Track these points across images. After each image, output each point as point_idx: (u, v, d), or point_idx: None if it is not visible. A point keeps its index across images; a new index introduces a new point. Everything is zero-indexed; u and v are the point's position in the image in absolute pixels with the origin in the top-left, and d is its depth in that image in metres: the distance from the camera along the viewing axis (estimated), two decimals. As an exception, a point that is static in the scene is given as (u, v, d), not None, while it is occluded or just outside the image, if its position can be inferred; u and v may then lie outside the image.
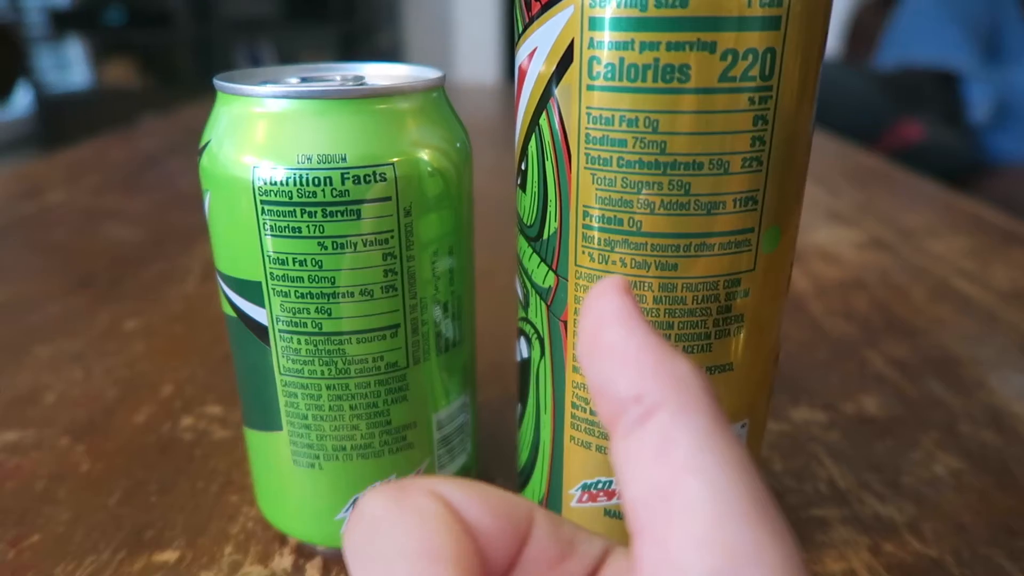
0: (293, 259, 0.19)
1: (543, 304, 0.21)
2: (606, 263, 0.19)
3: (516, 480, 0.25)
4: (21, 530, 0.25)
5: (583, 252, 0.19)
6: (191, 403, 0.32)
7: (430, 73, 0.22)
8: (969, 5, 1.34)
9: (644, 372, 0.12)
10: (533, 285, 0.21)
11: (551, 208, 0.19)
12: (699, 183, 0.17)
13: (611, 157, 0.18)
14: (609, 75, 0.17)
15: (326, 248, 0.19)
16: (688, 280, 0.18)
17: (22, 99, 2.68)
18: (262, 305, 0.20)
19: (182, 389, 0.33)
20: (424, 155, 0.20)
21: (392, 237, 0.20)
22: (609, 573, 0.13)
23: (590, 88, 0.17)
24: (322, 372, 0.21)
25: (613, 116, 0.17)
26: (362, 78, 0.22)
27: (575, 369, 0.20)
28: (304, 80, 0.21)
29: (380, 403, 0.21)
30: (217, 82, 0.20)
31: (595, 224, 0.18)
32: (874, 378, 0.34)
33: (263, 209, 0.19)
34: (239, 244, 0.20)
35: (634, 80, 0.17)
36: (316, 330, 0.20)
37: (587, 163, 0.18)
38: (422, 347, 0.21)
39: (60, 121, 2.57)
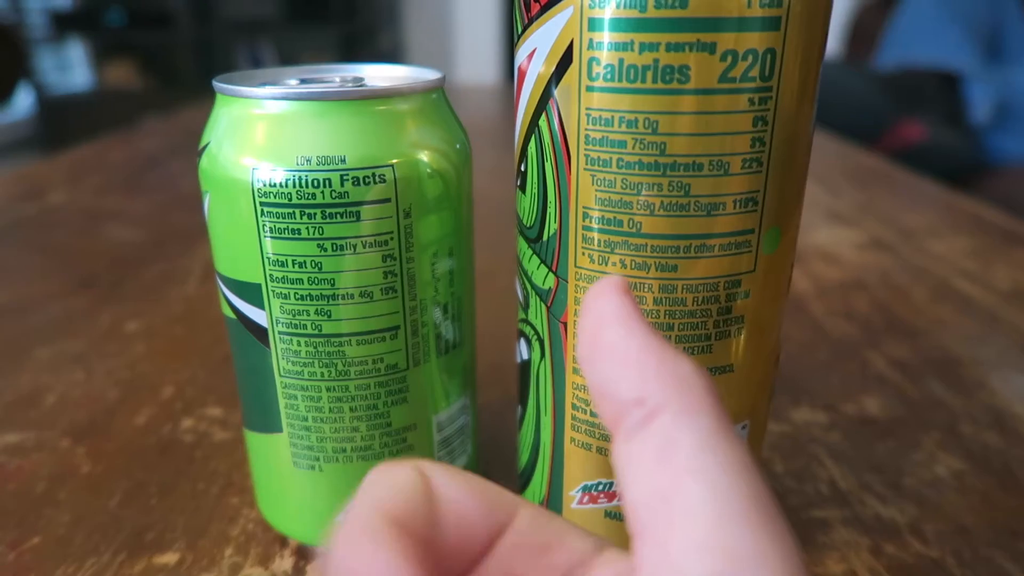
0: (293, 261, 0.19)
1: (543, 305, 0.20)
2: (606, 264, 0.18)
3: (516, 482, 0.25)
4: (21, 532, 0.24)
5: (583, 253, 0.19)
6: (192, 405, 0.32)
7: (430, 74, 0.22)
8: (970, 5, 1.34)
9: (646, 374, 0.11)
10: (533, 286, 0.21)
11: (551, 209, 0.19)
12: (699, 184, 0.17)
13: (611, 158, 0.17)
14: (609, 76, 0.17)
15: (326, 250, 0.19)
16: (688, 281, 0.18)
17: (23, 100, 2.68)
18: (262, 307, 0.20)
19: (183, 390, 0.33)
20: (424, 156, 0.20)
21: (392, 239, 0.20)
22: (609, 575, 0.13)
23: (589, 89, 0.17)
24: (322, 374, 0.21)
25: (613, 117, 0.17)
26: (361, 79, 0.22)
27: (575, 371, 0.20)
28: (303, 82, 0.21)
29: (380, 405, 0.21)
30: (216, 84, 0.20)
31: (595, 225, 0.18)
32: (875, 379, 0.34)
33: (262, 211, 0.19)
34: (239, 246, 0.20)
35: (634, 81, 0.17)
36: (316, 332, 0.20)
37: (587, 164, 0.18)
38: (422, 349, 0.21)
39: (61, 122, 2.57)
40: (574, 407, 0.21)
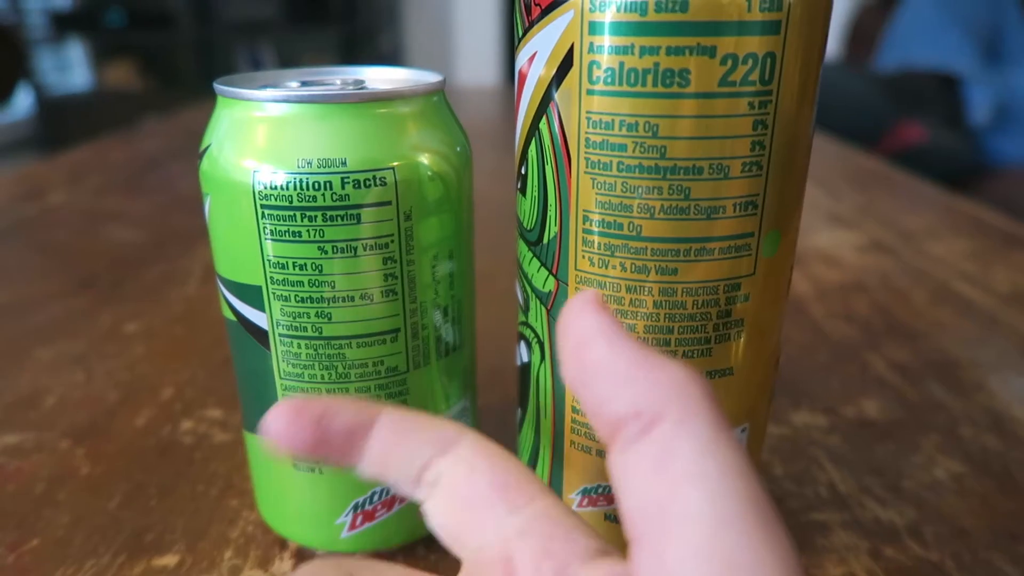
0: (293, 263, 0.19)
1: (543, 308, 0.20)
2: (606, 267, 0.19)
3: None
4: (21, 534, 0.24)
5: (583, 256, 0.19)
6: (191, 406, 0.32)
7: (430, 77, 0.22)
8: (970, 7, 1.34)
9: (639, 387, 0.11)
10: (533, 289, 0.21)
11: (551, 212, 0.19)
12: (699, 187, 0.17)
13: (611, 161, 0.18)
14: (609, 79, 0.17)
15: (326, 252, 0.19)
16: (688, 285, 0.18)
17: (23, 101, 2.68)
18: (262, 309, 0.20)
19: (182, 392, 0.33)
20: (424, 159, 0.20)
21: (392, 241, 0.20)
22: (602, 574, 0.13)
23: (590, 92, 0.17)
24: (322, 376, 0.21)
25: (613, 120, 0.17)
26: (362, 82, 0.22)
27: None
28: (304, 84, 0.22)
29: (380, 407, 0.21)
30: (217, 86, 0.20)
31: (595, 228, 0.18)
32: (875, 381, 0.34)
33: (263, 213, 0.19)
34: (239, 248, 0.20)
35: (634, 84, 0.17)
36: (316, 334, 0.20)
37: (587, 167, 0.18)
38: (422, 351, 0.21)
39: (61, 123, 2.57)
40: (574, 410, 0.21)
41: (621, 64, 0.17)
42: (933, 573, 0.23)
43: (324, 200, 0.19)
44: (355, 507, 0.22)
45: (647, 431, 0.11)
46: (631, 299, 0.19)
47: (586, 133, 0.18)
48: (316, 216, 0.19)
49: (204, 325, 0.40)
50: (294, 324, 0.20)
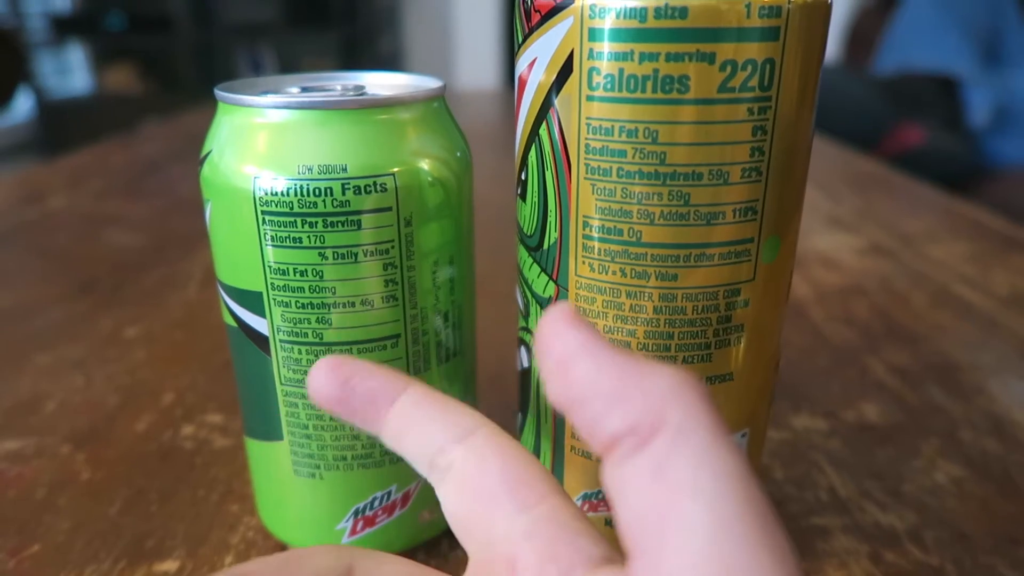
0: (294, 269, 0.19)
1: (544, 314, 0.21)
2: (606, 273, 0.19)
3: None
4: (21, 539, 0.24)
5: (583, 262, 0.19)
6: (192, 411, 0.32)
7: (431, 83, 0.22)
8: (969, 9, 1.35)
9: (632, 403, 0.11)
10: (534, 295, 0.21)
11: (551, 218, 0.19)
12: (699, 193, 0.17)
13: (611, 167, 0.18)
14: (609, 86, 0.17)
15: (327, 258, 0.19)
16: (688, 290, 0.18)
17: (23, 104, 2.68)
18: (263, 315, 0.20)
19: (183, 397, 0.33)
20: (425, 165, 0.20)
21: (393, 247, 0.20)
22: None
23: (590, 99, 0.17)
24: (323, 382, 0.21)
25: (613, 127, 0.17)
26: (363, 88, 0.22)
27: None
28: (305, 90, 0.22)
29: (381, 412, 0.21)
30: (218, 92, 0.20)
31: (595, 234, 0.18)
32: (875, 385, 0.34)
33: (264, 219, 0.19)
34: (240, 254, 0.20)
35: (633, 91, 0.17)
36: (317, 340, 0.20)
37: (587, 173, 0.18)
38: (423, 357, 0.21)
39: (61, 126, 2.57)
40: (574, 415, 0.21)
41: (621, 70, 0.17)
42: (934, 577, 0.23)
43: (325, 206, 0.19)
44: (355, 512, 0.22)
45: (644, 445, 0.11)
46: (631, 304, 0.19)
47: (586, 139, 0.18)
48: (317, 222, 0.19)
49: (204, 329, 0.40)
50: (295, 330, 0.20)
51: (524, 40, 0.19)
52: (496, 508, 0.14)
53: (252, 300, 0.20)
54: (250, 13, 2.68)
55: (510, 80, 2.55)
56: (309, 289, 0.20)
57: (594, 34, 0.17)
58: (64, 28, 2.65)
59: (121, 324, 0.41)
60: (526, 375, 0.22)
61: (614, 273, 0.18)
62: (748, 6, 0.16)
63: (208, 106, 1.09)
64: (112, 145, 0.88)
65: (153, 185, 0.71)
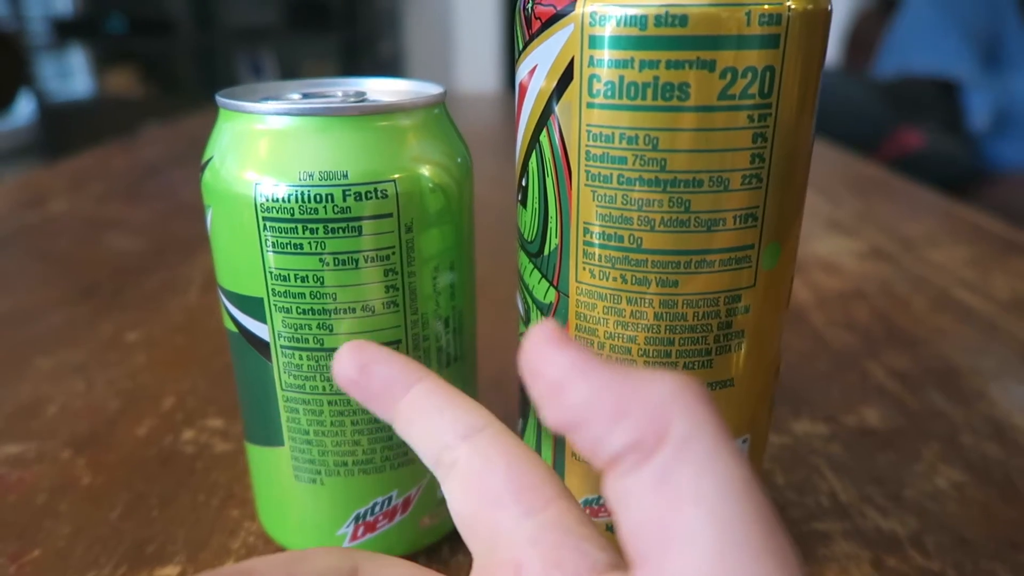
0: (295, 275, 0.19)
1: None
2: (607, 279, 0.19)
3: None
4: (22, 544, 0.25)
5: (584, 268, 0.19)
6: (192, 416, 0.32)
7: (431, 89, 0.22)
8: (969, 13, 1.35)
9: (633, 419, 0.11)
10: (534, 301, 0.21)
11: (552, 224, 0.19)
12: (699, 200, 0.17)
13: (611, 174, 0.18)
14: (609, 93, 0.17)
15: (328, 264, 0.19)
16: (689, 296, 0.18)
17: (24, 108, 2.69)
18: (264, 321, 0.20)
19: (183, 401, 0.33)
20: (425, 171, 0.20)
21: (393, 253, 0.20)
22: None
23: (590, 106, 0.17)
24: (324, 388, 0.21)
25: (613, 133, 0.17)
26: (363, 94, 0.22)
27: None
28: (306, 96, 0.22)
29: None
30: (219, 99, 0.20)
31: (596, 241, 0.18)
32: (875, 389, 0.34)
33: (265, 225, 0.19)
34: (241, 260, 0.20)
35: (634, 98, 0.17)
36: (318, 346, 0.20)
37: (587, 180, 0.18)
38: (424, 362, 0.21)
39: (62, 130, 2.57)
40: (575, 421, 0.21)
41: (621, 78, 0.17)
42: (934, 583, 0.23)
43: (325, 212, 0.19)
44: (356, 518, 0.22)
45: (648, 458, 0.11)
46: (631, 311, 0.19)
47: (586, 146, 0.18)
48: (318, 228, 0.19)
49: (205, 334, 0.40)
50: (295, 336, 0.20)
51: (525, 47, 0.19)
52: (501, 511, 0.14)
53: (253, 306, 0.20)
54: (251, 17, 2.68)
55: (510, 83, 2.55)
56: (310, 295, 0.20)
57: (595, 41, 0.17)
58: (65, 31, 2.65)
59: (122, 328, 0.41)
60: (527, 380, 0.22)
61: (615, 279, 0.18)
62: (748, 14, 0.16)
63: (209, 110, 1.09)
64: (113, 149, 0.89)
65: (154, 189, 0.71)
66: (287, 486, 0.22)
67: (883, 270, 0.50)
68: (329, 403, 0.21)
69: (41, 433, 0.31)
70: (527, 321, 0.22)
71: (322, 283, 0.19)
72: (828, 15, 0.17)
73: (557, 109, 0.18)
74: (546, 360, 0.12)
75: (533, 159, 0.19)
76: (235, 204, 0.19)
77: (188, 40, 2.58)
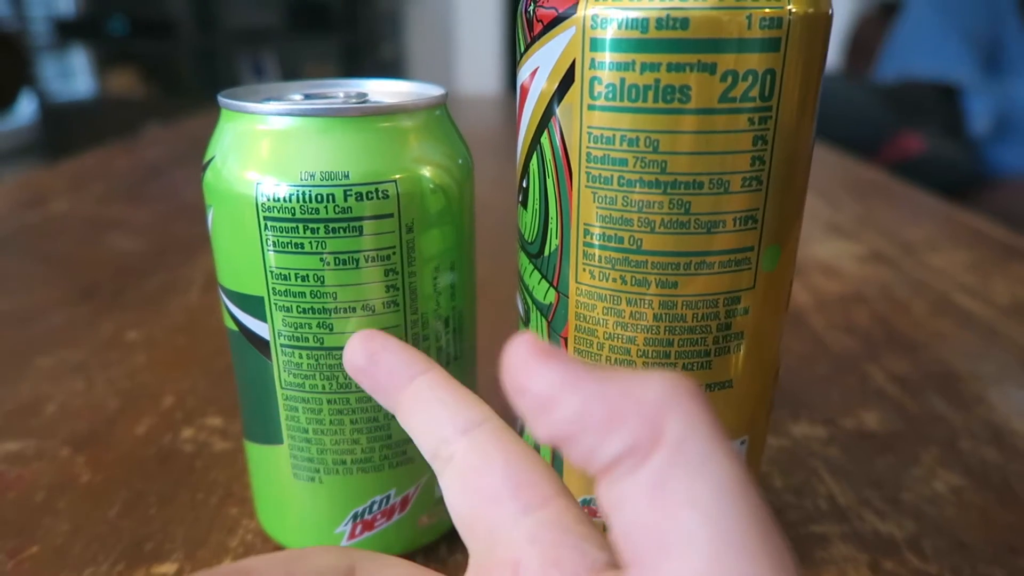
0: (295, 275, 0.19)
1: (544, 320, 0.21)
2: (606, 280, 0.19)
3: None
4: (20, 541, 0.25)
5: (584, 269, 0.19)
6: (192, 414, 0.32)
7: (433, 90, 0.22)
8: (970, 17, 1.35)
9: (625, 423, 0.11)
10: (534, 301, 0.21)
11: (552, 225, 0.19)
12: (699, 202, 0.17)
13: (612, 176, 0.18)
14: (610, 95, 0.17)
15: (328, 264, 0.19)
16: (688, 298, 0.18)
17: (26, 108, 2.69)
18: (264, 320, 0.20)
19: (183, 400, 0.33)
20: (426, 172, 0.20)
21: (394, 253, 0.20)
22: None
23: (591, 108, 0.17)
24: (323, 386, 0.21)
25: (614, 136, 0.17)
26: (365, 95, 0.22)
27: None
28: (307, 97, 0.22)
29: (381, 417, 0.21)
30: (221, 99, 0.20)
31: (596, 242, 0.18)
32: (875, 393, 0.34)
33: (266, 225, 0.19)
34: (242, 259, 0.20)
35: (635, 100, 0.17)
36: (318, 345, 0.20)
37: (588, 182, 0.18)
38: (423, 362, 0.21)
39: (64, 130, 2.58)
40: (574, 421, 0.21)
41: (622, 80, 0.17)
42: (932, 586, 0.23)
43: (326, 212, 0.19)
44: (354, 516, 0.22)
45: (643, 462, 0.10)
46: (631, 312, 0.19)
47: (587, 148, 0.18)
48: (318, 228, 0.19)
49: (205, 334, 0.40)
50: (296, 335, 0.20)
51: (526, 50, 0.19)
52: (499, 508, 0.14)
53: (253, 305, 0.20)
54: (252, 18, 2.69)
55: (511, 85, 2.55)
56: (310, 294, 0.20)
57: (596, 44, 0.17)
58: (67, 32, 2.66)
59: (122, 328, 0.41)
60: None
61: (614, 280, 0.19)
62: (749, 17, 0.16)
63: (210, 111, 1.09)
64: (114, 149, 0.89)
65: (155, 189, 0.71)
66: (286, 484, 0.22)
67: (883, 274, 0.50)
68: (328, 402, 0.21)
69: (41, 431, 0.31)
70: (527, 322, 0.22)
71: (322, 283, 0.19)
72: (829, 19, 0.18)
73: (558, 111, 0.18)
74: (531, 375, 0.11)
75: (534, 160, 0.19)
76: (236, 204, 0.19)
77: (190, 41, 2.58)
